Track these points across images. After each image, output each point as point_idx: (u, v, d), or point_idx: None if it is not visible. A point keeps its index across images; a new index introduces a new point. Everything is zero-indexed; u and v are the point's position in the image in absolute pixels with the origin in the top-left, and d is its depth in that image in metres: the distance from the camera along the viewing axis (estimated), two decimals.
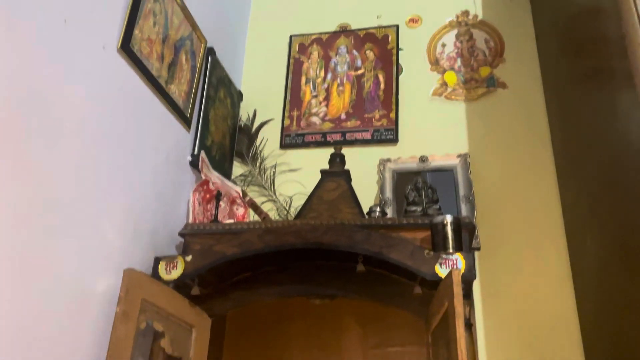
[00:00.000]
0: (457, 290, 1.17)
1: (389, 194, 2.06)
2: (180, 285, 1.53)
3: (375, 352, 1.81)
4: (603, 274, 1.62)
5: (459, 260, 1.37)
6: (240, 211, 2.00)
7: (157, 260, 1.55)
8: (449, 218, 1.48)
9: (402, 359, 1.78)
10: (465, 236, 1.51)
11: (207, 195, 1.94)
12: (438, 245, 1.47)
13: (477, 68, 2.26)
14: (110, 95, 1.49)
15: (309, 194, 1.82)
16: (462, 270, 1.35)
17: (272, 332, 1.88)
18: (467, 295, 1.36)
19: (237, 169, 2.28)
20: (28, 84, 1.20)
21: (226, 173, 2.17)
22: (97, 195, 1.42)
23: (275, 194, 2.18)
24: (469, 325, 1.33)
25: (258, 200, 2.13)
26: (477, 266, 1.76)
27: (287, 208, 2.12)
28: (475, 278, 1.38)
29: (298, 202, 2.01)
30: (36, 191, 1.21)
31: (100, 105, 1.45)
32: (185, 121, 1.89)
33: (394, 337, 1.80)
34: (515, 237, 1.93)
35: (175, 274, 1.51)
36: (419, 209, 1.71)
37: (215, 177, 1.97)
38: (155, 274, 1.52)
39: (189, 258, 1.53)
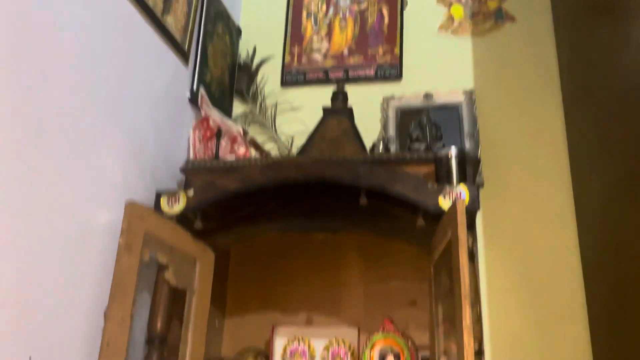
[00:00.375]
0: (461, 219, 1.16)
1: (392, 132, 2.03)
2: (182, 220, 1.52)
3: (376, 287, 1.83)
4: (608, 211, 1.61)
5: (462, 192, 1.36)
6: (241, 150, 1.98)
7: (158, 195, 1.53)
8: (453, 151, 1.47)
9: (403, 294, 1.80)
10: (470, 170, 1.50)
11: (208, 133, 1.91)
12: (442, 178, 1.46)
13: (485, 1, 2.17)
14: (103, 25, 1.43)
15: (310, 132, 1.79)
16: (466, 202, 1.34)
17: (275, 266, 1.90)
18: (471, 226, 1.36)
19: (237, 107, 2.24)
20: (15, 11, 1.15)
21: (226, 111, 2.12)
22: (95, 127, 1.39)
23: (276, 132, 2.14)
24: (472, 256, 1.33)
25: (259, 139, 2.11)
26: (480, 203, 1.76)
27: (288, 147, 2.09)
28: (479, 209, 1.37)
29: (300, 141, 1.97)
30: (34, 122, 1.18)
31: (93, 34, 1.39)
32: (183, 55, 1.83)
33: (396, 272, 1.81)
34: (519, 174, 1.92)
35: (178, 208, 1.50)
36: (423, 146, 1.69)
37: (215, 115, 1.93)
38: (157, 208, 1.51)
39: (190, 192, 1.51)
